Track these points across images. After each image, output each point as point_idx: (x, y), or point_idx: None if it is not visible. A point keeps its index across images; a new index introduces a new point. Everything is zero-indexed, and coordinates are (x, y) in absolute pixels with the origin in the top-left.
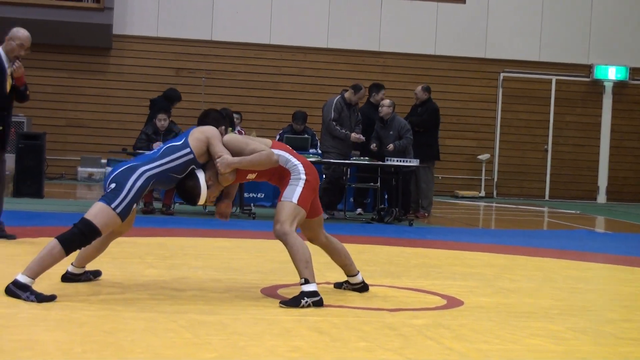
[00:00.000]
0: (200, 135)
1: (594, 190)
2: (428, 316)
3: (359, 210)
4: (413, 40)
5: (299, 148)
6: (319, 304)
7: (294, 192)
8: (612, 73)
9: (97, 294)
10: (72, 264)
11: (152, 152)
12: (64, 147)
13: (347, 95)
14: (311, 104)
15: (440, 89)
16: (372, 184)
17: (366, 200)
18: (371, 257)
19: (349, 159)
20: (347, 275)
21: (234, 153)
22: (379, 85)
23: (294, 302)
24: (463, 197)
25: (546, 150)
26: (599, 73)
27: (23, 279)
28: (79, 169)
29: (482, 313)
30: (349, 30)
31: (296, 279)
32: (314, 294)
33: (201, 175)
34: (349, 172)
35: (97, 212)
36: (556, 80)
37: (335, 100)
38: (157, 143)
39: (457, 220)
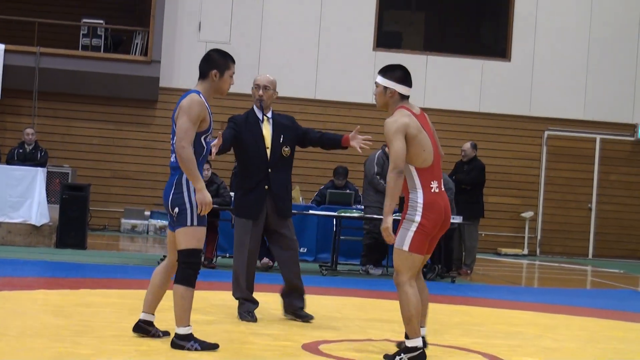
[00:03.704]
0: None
1: (638, 250)
2: None
3: None
4: (457, 97)
5: (342, 204)
6: (419, 357)
7: (404, 238)
8: None
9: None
10: (143, 311)
11: (173, 161)
12: (107, 199)
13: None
14: (354, 159)
15: (484, 146)
16: None
17: None
18: None
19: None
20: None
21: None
22: None
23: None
24: (506, 255)
25: (590, 209)
26: None
27: (181, 330)
28: (123, 220)
29: None
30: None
31: (339, 335)
32: (414, 349)
33: None
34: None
35: (185, 238)
36: (600, 139)
37: (377, 154)
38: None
39: (499, 278)
